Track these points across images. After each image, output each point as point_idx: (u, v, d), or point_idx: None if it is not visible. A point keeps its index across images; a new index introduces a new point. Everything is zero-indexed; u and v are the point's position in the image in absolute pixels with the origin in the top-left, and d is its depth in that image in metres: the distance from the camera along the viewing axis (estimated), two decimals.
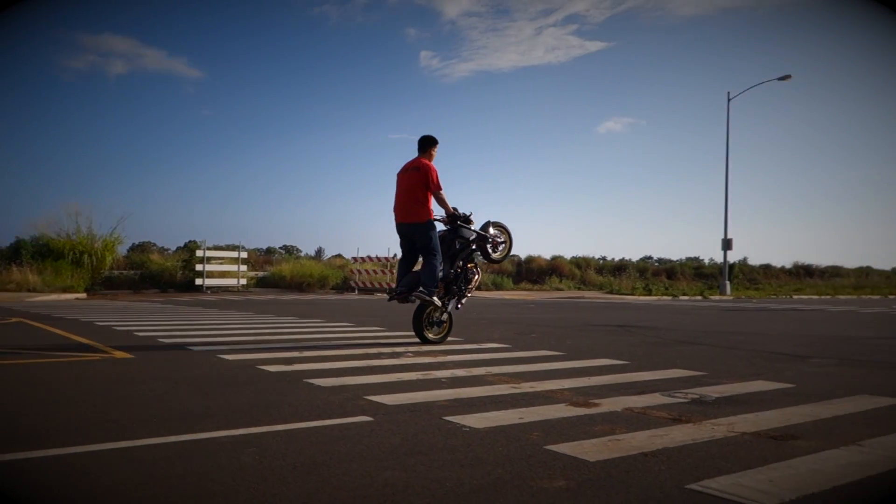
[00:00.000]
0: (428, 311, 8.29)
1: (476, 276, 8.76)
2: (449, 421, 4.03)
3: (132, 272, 24.52)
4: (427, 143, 8.23)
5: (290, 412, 4.22)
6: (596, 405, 4.59)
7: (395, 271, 26.71)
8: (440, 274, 8.08)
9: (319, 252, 46.08)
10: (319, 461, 3.15)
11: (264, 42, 53.44)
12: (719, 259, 33.97)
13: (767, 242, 74.29)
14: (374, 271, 26.79)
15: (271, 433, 3.68)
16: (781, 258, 58.99)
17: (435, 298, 8.03)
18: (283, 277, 26.72)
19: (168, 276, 24.07)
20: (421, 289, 7.93)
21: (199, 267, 23.56)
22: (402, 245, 8.32)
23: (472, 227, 8.53)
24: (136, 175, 54.09)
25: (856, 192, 69.64)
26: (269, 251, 47.97)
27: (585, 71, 60.42)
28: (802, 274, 47.43)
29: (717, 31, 57.74)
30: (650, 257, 51.54)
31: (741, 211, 65.74)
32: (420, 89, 59.92)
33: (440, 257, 8.10)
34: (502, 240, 8.96)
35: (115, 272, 24.01)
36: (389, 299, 8.52)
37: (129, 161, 53.77)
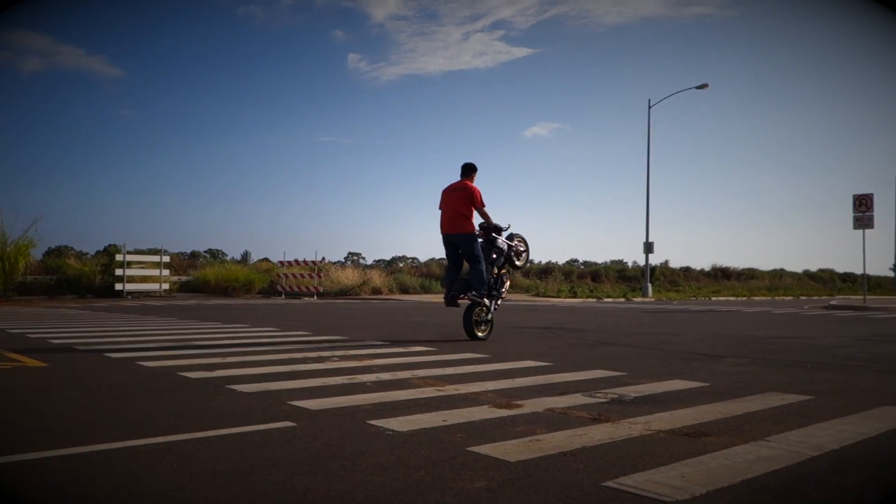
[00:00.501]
0: (476, 311, 9.35)
1: (508, 281, 10.03)
2: (372, 424, 4.03)
3: (48, 277, 23.58)
4: (469, 169, 9.57)
5: (211, 419, 4.14)
6: (518, 406, 4.67)
7: (321, 275, 26.53)
8: (486, 277, 9.32)
9: (246, 256, 45.25)
10: (240, 468, 3.11)
11: (188, 41, 52.28)
12: (642, 262, 34.93)
13: (688, 246, 76.88)
14: (302, 275, 26.48)
15: (191, 440, 3.60)
16: (701, 261, 61.22)
17: (485, 300, 9.31)
18: (207, 282, 26.15)
19: (86, 281, 23.23)
20: (473, 292, 9.17)
21: (118, 272, 22.83)
22: (448, 254, 9.51)
23: (503, 239, 9.82)
24: (51, 177, 52.14)
25: (770, 197, 72.77)
26: (194, 255, 46.79)
27: (512, 76, 61.35)
28: (720, 276, 49.25)
29: (639, 40, 59.53)
30: (576, 260, 52.65)
31: (663, 215, 67.89)
32: (348, 92, 59.64)
33: (484, 263, 9.29)
34: (523, 249, 10.26)
35: (30, 277, 23.02)
36: (447, 304, 9.52)
37: (45, 162, 51.78)
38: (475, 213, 9.30)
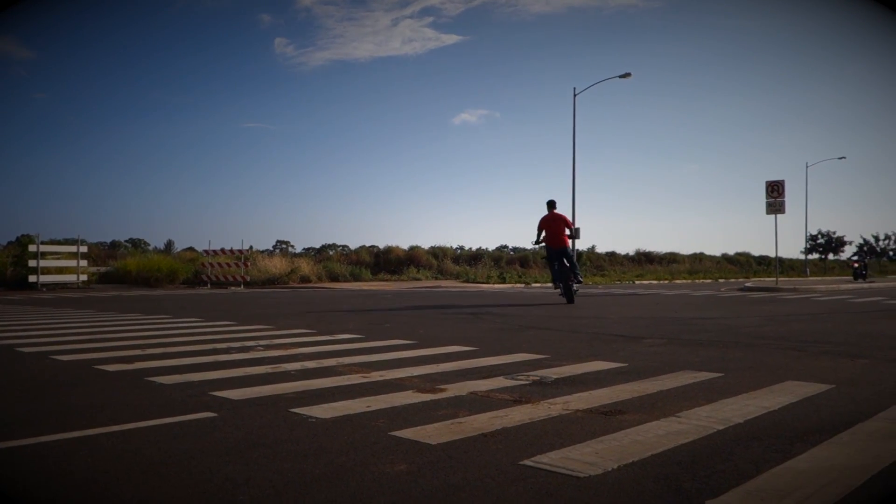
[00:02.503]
0: (570, 284, 14.92)
1: None
2: (295, 413, 4.02)
3: None
4: (554, 204, 15.37)
5: (129, 412, 4.06)
6: (442, 391, 4.73)
7: (248, 264, 26.10)
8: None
9: (169, 245, 44.02)
10: (157, 460, 3.07)
11: (106, 21, 50.35)
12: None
13: (614, 231, 78.90)
14: (228, 264, 25.96)
15: (106, 434, 3.53)
16: (626, 246, 62.81)
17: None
18: (128, 272, 25.34)
19: None
20: (575, 277, 15.11)
21: (32, 263, 21.87)
22: (554, 259, 14.99)
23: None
24: None
25: (690, 184, 75.17)
26: (115, 245, 45.31)
27: (441, 63, 61.55)
28: (644, 260, 50.60)
29: (565, 29, 60.48)
30: (505, 246, 53.15)
31: (589, 201, 69.39)
32: (275, 77, 58.71)
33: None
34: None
35: None
36: (555, 287, 15.52)
37: None
38: (566, 231, 15.19)
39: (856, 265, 34.30)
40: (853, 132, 73.46)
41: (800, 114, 73.79)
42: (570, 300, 14.85)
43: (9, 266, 22.54)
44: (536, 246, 15.88)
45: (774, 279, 28.45)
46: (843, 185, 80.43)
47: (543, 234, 15.25)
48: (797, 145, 74.92)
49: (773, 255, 27.52)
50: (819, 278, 41.92)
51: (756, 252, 60.20)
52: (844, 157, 50.84)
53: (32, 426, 3.68)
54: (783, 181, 22.89)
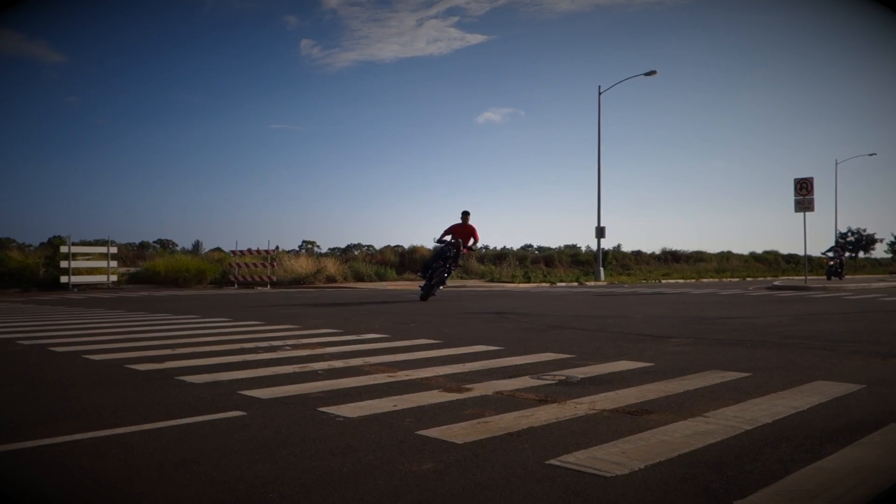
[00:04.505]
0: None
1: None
2: (323, 412, 4.07)
3: None
4: (468, 214, 16.38)
5: (160, 410, 4.13)
6: (468, 390, 4.75)
7: (275, 264, 26.31)
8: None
9: (197, 245, 44.43)
10: (188, 458, 3.12)
11: (135, 25, 51.02)
12: (595, 246, 35.40)
13: (640, 230, 78.39)
14: (255, 264, 26.16)
15: (138, 432, 3.59)
16: (652, 244, 62.33)
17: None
18: (157, 273, 25.65)
19: (30, 274, 22.56)
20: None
21: (63, 264, 22.21)
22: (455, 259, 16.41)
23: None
24: None
25: (717, 181, 74.47)
26: (143, 246, 45.94)
27: (466, 62, 61.51)
28: (670, 259, 50.13)
29: (591, 27, 60.17)
30: (530, 245, 53.02)
31: (615, 200, 68.92)
32: (301, 79, 59.10)
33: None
34: None
35: None
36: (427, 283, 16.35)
37: None
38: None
39: (831, 263, 31.40)
40: (884, 128, 72.26)
41: (829, 110, 72.71)
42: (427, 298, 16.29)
43: (41, 267, 22.91)
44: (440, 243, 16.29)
45: (803, 278, 28.08)
46: (874, 182, 79.14)
47: (452, 236, 16.27)
48: (826, 142, 73.96)
49: (801, 253, 27.20)
50: (848, 276, 41.27)
51: (784, 250, 59.32)
52: (875, 154, 50.17)
53: (65, 425, 3.76)
54: (812, 178, 22.56)
